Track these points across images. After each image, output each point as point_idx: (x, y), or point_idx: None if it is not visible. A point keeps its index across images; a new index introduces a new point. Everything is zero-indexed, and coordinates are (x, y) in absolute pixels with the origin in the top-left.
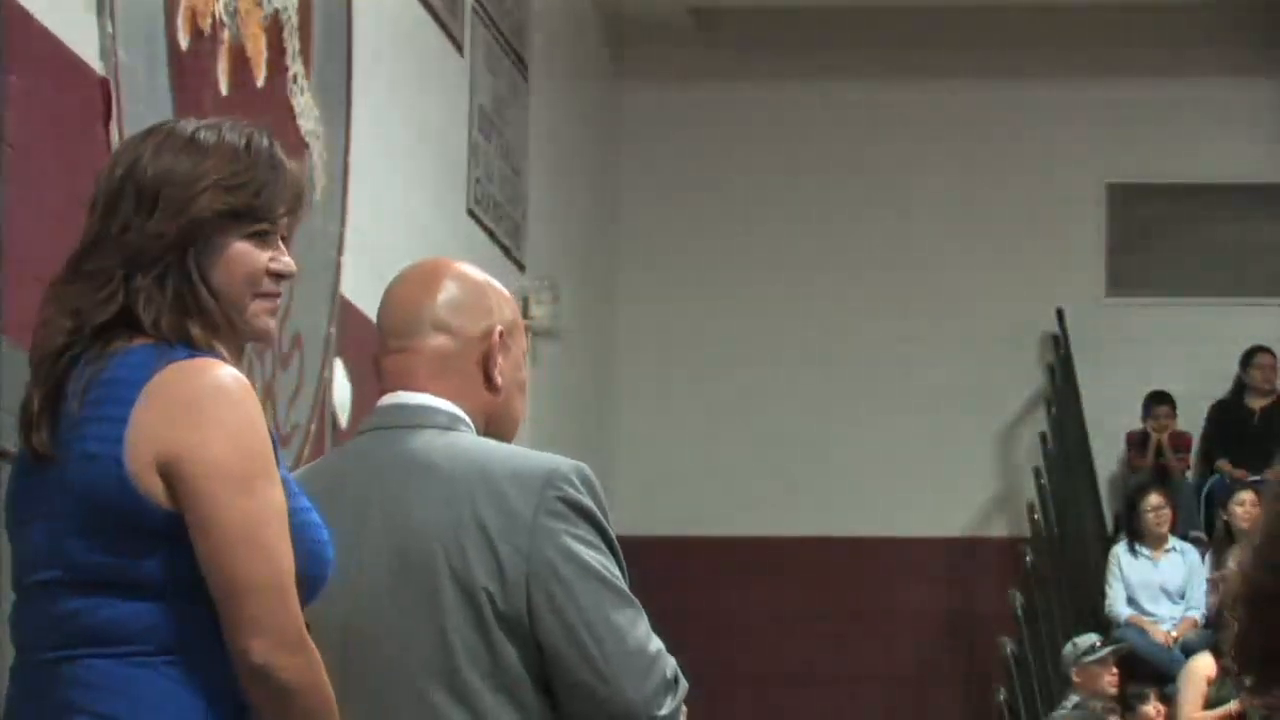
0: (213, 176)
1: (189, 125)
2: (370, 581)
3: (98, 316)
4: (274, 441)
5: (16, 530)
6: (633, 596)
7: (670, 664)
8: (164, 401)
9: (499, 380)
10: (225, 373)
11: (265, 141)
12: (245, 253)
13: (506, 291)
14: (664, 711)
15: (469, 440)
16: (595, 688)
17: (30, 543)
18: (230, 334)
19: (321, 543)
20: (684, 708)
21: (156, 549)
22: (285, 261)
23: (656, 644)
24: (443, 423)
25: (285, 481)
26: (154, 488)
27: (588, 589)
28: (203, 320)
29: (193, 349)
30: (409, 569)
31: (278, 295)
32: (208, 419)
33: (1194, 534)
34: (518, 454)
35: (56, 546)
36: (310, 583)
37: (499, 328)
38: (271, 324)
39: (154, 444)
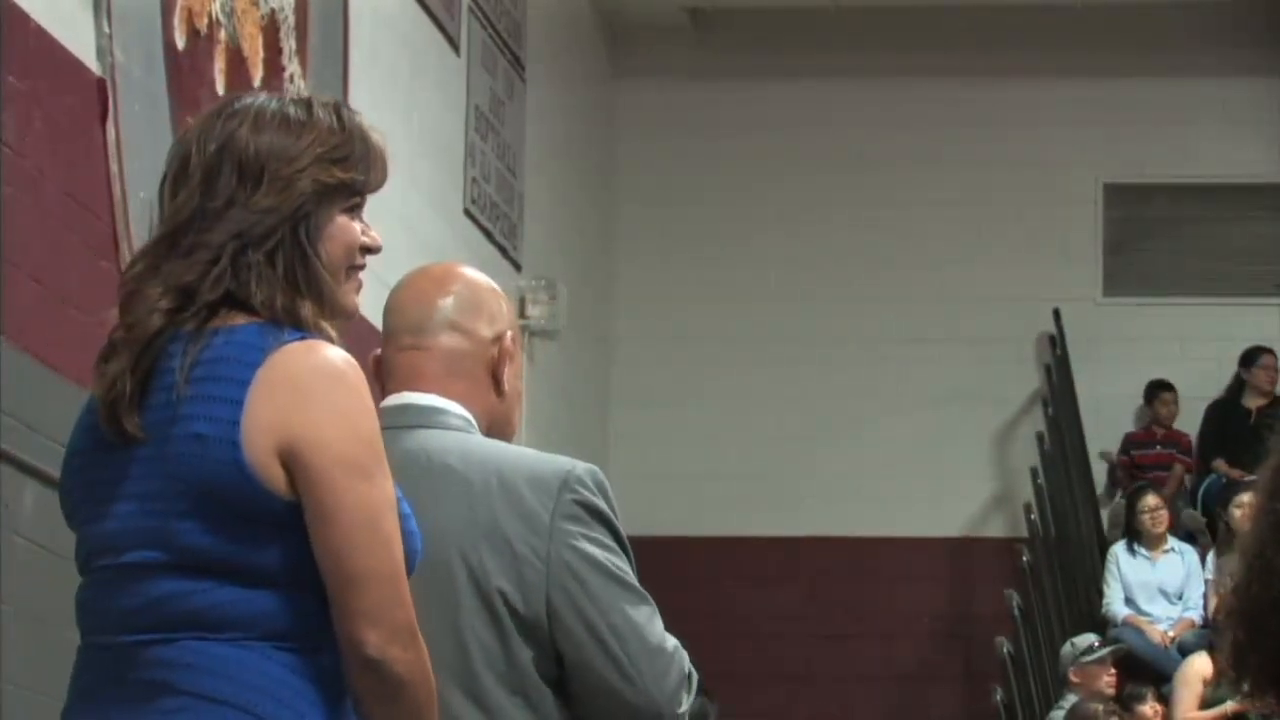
0: (316, 150)
1: (273, 101)
2: None
3: (210, 294)
4: None
5: (90, 509)
6: (647, 594)
7: (685, 660)
8: (282, 388)
9: (506, 386)
10: (339, 356)
11: (355, 116)
12: (345, 227)
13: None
14: (683, 708)
15: (481, 442)
16: (619, 686)
17: (112, 523)
18: (329, 311)
19: (414, 534)
20: None
21: (273, 537)
22: (375, 235)
23: (672, 640)
24: (454, 424)
25: None
26: (275, 477)
27: (606, 589)
28: (313, 298)
29: (300, 329)
30: (426, 570)
31: (363, 269)
32: (328, 406)
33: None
34: (532, 456)
35: (156, 528)
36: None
37: (510, 333)
38: (358, 301)
39: (274, 432)
